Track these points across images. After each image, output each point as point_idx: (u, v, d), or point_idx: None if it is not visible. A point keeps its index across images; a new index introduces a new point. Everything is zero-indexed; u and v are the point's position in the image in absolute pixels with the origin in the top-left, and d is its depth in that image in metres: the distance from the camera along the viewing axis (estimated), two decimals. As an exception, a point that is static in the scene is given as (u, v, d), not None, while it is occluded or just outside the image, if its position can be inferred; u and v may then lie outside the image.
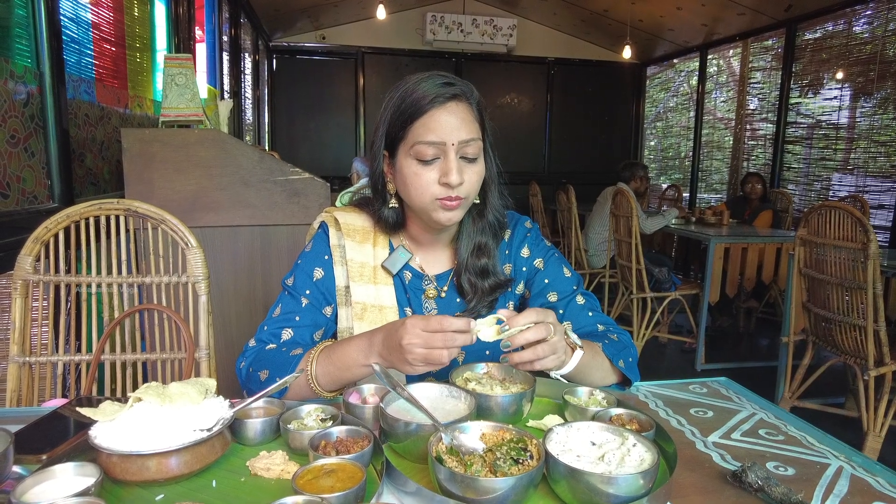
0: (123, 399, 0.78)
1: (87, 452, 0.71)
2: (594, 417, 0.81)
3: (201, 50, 4.19)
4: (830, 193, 4.90)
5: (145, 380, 1.57)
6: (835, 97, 4.90)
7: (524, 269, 1.16)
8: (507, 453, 0.66)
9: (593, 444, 0.71)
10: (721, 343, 4.37)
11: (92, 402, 0.89)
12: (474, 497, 0.61)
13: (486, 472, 0.64)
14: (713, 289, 3.71)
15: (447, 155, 0.96)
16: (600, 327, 1.11)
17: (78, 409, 0.74)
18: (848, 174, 4.79)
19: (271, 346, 1.01)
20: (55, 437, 0.81)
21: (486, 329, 0.82)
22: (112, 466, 0.67)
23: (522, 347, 0.84)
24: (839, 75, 4.86)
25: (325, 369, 0.92)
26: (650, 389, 1.07)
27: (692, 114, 6.73)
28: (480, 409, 0.82)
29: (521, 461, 0.65)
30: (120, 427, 0.70)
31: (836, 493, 0.73)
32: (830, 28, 4.98)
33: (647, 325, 3.86)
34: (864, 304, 2.41)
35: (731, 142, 6.16)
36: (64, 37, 1.98)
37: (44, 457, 0.73)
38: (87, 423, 0.74)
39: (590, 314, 1.12)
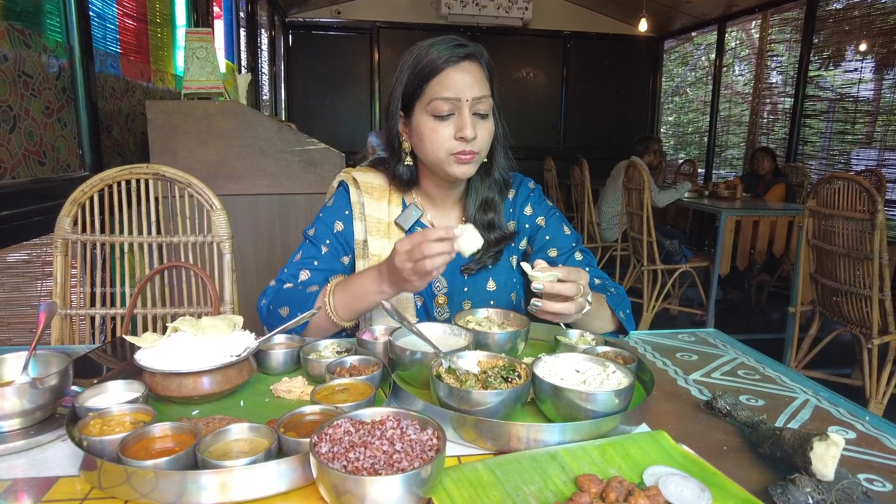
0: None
1: (133, 376, 0.81)
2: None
3: (219, 26, 4.25)
4: (849, 168, 4.85)
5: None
6: (856, 69, 4.82)
7: (527, 225, 1.23)
8: (498, 373, 0.75)
9: (577, 371, 0.80)
10: (731, 316, 4.41)
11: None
12: (468, 409, 0.70)
13: (479, 388, 0.73)
14: (724, 261, 3.74)
15: (462, 111, 1.03)
16: (597, 281, 1.18)
17: (123, 336, 0.83)
18: (868, 148, 4.73)
19: (289, 285, 1.11)
20: (102, 368, 0.91)
21: (543, 275, 0.88)
22: (155, 384, 0.77)
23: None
24: (862, 47, 4.77)
25: (342, 300, 1.01)
26: (641, 337, 1.15)
27: (710, 88, 6.65)
28: (479, 346, 0.90)
29: (510, 380, 0.74)
30: (160, 352, 0.80)
31: (798, 419, 0.80)
32: (855, -3, 4.87)
33: (658, 298, 3.92)
34: (870, 274, 2.45)
35: (749, 116, 6.09)
36: (91, 12, 2.06)
37: (95, 381, 0.83)
38: (127, 360, 0.84)
39: (587, 269, 1.20)
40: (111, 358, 0.96)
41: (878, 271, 2.42)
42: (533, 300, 0.89)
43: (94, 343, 1.50)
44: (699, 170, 6.33)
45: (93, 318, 1.49)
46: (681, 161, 6.77)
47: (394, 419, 0.61)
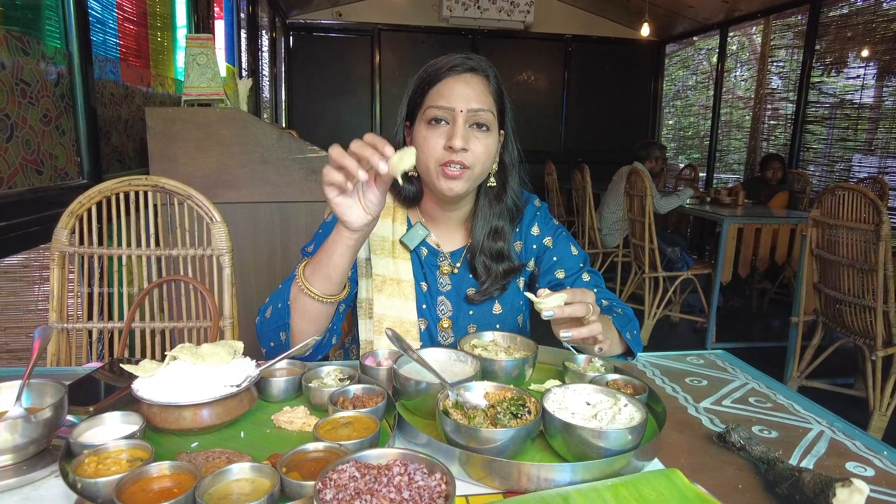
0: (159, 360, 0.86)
1: (130, 404, 0.78)
2: (592, 382, 0.87)
3: (219, 27, 4.23)
4: (850, 174, 4.83)
5: (173, 346, 1.67)
6: (858, 76, 4.80)
7: (534, 246, 1.21)
8: (507, 409, 0.73)
9: (588, 403, 0.77)
10: (732, 323, 4.39)
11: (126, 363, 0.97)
12: (476, 447, 0.68)
13: (487, 425, 0.71)
14: (725, 269, 3.72)
15: (455, 121, 1.01)
16: (605, 302, 1.16)
17: (121, 365, 0.81)
18: (869, 155, 4.72)
19: None
20: (99, 393, 0.89)
21: (550, 301, 0.85)
22: (152, 416, 0.74)
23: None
24: (864, 53, 4.75)
25: (312, 268, 0.95)
26: (649, 360, 1.13)
27: (711, 92, 6.64)
28: (485, 373, 0.88)
29: (519, 416, 0.72)
30: (158, 382, 0.78)
31: (814, 454, 0.78)
32: (858, 3, 4.86)
33: (659, 305, 3.90)
34: (874, 285, 2.43)
35: (750, 121, 6.08)
36: (90, 17, 2.04)
37: (91, 408, 0.81)
38: (125, 383, 0.82)
39: (594, 290, 1.17)
40: (108, 376, 0.94)
41: (883, 283, 2.40)
42: (562, 333, 0.85)
43: (91, 358, 1.48)
44: (700, 173, 6.31)
45: (90, 332, 1.46)
46: (682, 165, 6.76)
47: (401, 464, 0.59)
